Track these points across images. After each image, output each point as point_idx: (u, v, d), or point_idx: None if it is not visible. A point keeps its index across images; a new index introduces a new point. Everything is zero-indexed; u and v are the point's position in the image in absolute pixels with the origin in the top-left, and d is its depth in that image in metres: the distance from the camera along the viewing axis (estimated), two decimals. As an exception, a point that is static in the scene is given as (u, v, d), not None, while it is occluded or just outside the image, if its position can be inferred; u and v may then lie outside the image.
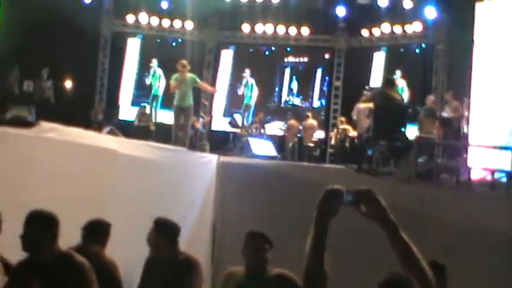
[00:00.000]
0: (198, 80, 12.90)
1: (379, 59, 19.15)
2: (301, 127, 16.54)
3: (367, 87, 14.63)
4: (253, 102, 16.50)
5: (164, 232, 4.98)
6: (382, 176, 9.31)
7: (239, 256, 4.79)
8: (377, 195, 2.35)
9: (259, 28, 19.73)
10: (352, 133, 15.16)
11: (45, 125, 6.90)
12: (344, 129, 15.77)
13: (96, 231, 5.18)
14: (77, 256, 4.14)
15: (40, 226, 4.06)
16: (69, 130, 7.40)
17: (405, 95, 14.74)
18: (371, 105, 10.59)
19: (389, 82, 11.01)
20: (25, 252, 4.09)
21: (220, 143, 17.18)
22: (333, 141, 16.94)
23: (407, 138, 10.07)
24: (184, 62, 12.65)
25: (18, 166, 6.32)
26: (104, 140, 8.60)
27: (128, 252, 6.03)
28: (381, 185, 2.25)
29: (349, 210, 2.39)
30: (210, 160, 10.58)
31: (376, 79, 18.75)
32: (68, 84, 19.48)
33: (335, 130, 16.96)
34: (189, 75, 12.43)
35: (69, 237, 4.43)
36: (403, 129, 9.98)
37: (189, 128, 12.66)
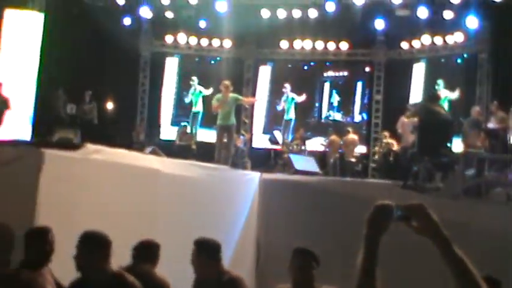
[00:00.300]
0: (240, 97, 13.05)
1: (419, 70, 18.99)
2: (341, 142, 16.44)
3: (411, 103, 14.41)
4: (293, 116, 16.45)
5: (205, 252, 4.94)
6: (428, 192, 9.15)
7: (283, 273, 4.77)
8: (428, 209, 2.30)
9: (298, 44, 19.76)
10: (396, 147, 15.03)
11: (91, 146, 6.99)
12: (387, 144, 15.63)
13: (147, 252, 5.21)
14: (129, 276, 4.20)
15: (93, 247, 4.13)
16: (114, 151, 7.49)
17: (447, 105, 14.48)
18: (415, 119, 10.47)
19: (433, 96, 10.89)
20: (78, 272, 4.15)
21: (261, 160, 17.18)
22: (376, 156, 16.77)
23: (453, 153, 9.91)
24: (227, 82, 12.81)
25: (66, 187, 6.40)
26: (147, 160, 8.68)
27: (173, 271, 6.04)
28: (427, 202, 2.22)
29: (399, 226, 2.35)
30: (253, 178, 10.60)
31: (416, 91, 18.61)
32: (110, 105, 19.78)
33: (378, 144, 16.79)
34: (231, 95, 12.59)
35: (115, 257, 4.47)
36: (448, 144, 9.82)
37: (232, 146, 12.74)
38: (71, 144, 7.06)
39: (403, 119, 13.74)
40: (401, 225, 2.34)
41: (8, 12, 15.00)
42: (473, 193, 9.32)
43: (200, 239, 5.00)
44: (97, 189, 6.77)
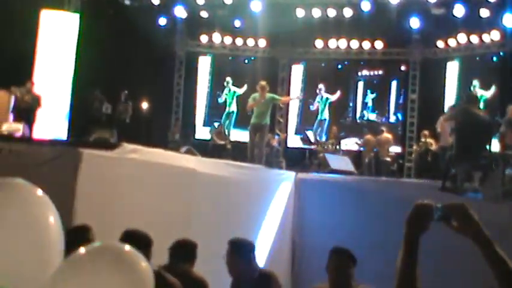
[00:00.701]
0: (277, 97, 13.07)
1: (453, 69, 18.79)
2: (376, 142, 16.33)
3: (451, 104, 14.22)
4: (327, 116, 16.37)
5: (239, 252, 4.99)
6: (467, 194, 9.04)
7: (319, 272, 4.77)
8: (469, 209, 2.28)
9: (332, 43, 19.68)
10: (435, 147, 14.87)
11: (128, 146, 7.06)
12: (426, 143, 15.46)
13: (184, 251, 5.23)
14: (168, 276, 4.24)
15: (135, 245, 4.17)
16: (150, 151, 7.56)
17: (483, 104, 14.27)
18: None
19: (471, 98, 10.75)
20: None
21: (296, 159, 17.17)
22: (413, 155, 16.55)
23: (492, 155, 9.78)
24: (264, 83, 12.84)
25: (103, 187, 6.48)
26: (183, 159, 8.74)
27: (209, 271, 6.07)
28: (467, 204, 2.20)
29: (440, 226, 2.33)
30: (288, 177, 10.61)
31: (450, 90, 18.42)
32: (145, 105, 19.94)
33: (417, 143, 16.56)
34: (268, 95, 12.61)
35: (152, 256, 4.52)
36: (487, 147, 9.70)
37: (264, 145, 12.73)
38: (108, 143, 7.16)
39: (442, 118, 13.61)
40: (442, 225, 2.33)
41: (45, 13, 15.21)
42: None
43: (234, 239, 5.05)
44: (134, 188, 6.84)
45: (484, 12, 16.41)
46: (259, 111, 12.49)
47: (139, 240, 4.25)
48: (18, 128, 11.02)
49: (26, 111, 13.11)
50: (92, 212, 6.08)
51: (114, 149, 6.87)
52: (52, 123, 14.53)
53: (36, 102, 13.45)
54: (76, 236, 4.66)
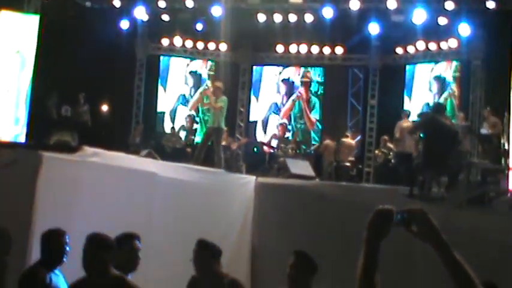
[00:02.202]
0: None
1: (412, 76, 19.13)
2: (337, 146, 16.47)
3: (406, 109, 14.47)
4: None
5: (207, 253, 5.04)
6: (434, 201, 9.22)
7: (278, 276, 4.82)
8: (428, 214, 2.34)
9: (293, 48, 19.79)
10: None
11: (88, 149, 7.03)
12: (388, 148, 15.63)
13: None
14: (129, 280, 4.30)
15: (99, 249, 4.22)
16: (111, 154, 7.54)
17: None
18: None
19: (439, 107, 11.01)
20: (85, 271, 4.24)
21: (256, 164, 17.18)
22: (377, 160, 16.66)
23: (458, 163, 10.03)
24: (219, 84, 12.79)
25: (63, 190, 6.43)
26: (144, 163, 8.72)
27: (170, 272, 6.08)
28: (431, 209, 2.23)
29: (399, 231, 2.38)
30: (248, 181, 10.63)
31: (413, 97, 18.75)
32: (105, 108, 19.76)
33: (379, 149, 16.70)
34: (223, 98, 12.43)
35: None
36: (454, 154, 9.95)
37: (221, 150, 12.53)
38: (68, 146, 7.11)
39: (401, 124, 13.81)
40: (402, 230, 2.38)
41: (3, 14, 14.97)
42: (476, 202, 9.43)
43: (203, 240, 5.08)
44: (95, 191, 6.81)
45: (442, 20, 16.71)
46: (214, 113, 12.40)
47: (101, 243, 4.27)
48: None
49: None
50: (51, 214, 6.04)
51: (75, 152, 6.83)
52: (9, 125, 14.28)
53: None
54: (51, 239, 4.75)
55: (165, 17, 18.91)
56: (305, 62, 20.37)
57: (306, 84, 20.47)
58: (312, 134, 19.85)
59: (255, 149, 19.37)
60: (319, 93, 20.47)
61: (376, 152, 16.97)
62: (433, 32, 17.36)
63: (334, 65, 20.11)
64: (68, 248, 4.80)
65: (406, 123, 13.88)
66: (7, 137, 13.17)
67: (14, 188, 6.18)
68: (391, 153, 15.33)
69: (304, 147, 18.41)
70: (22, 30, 14.97)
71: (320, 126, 19.98)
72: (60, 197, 6.38)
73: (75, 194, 6.62)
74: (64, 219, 6.08)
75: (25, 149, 7.27)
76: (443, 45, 17.88)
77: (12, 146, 8.04)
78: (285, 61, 20.49)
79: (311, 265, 4.72)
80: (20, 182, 6.17)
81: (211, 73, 20.74)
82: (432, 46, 18.10)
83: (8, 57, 14.75)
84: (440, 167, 9.70)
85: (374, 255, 2.37)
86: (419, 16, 16.57)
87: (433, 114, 10.55)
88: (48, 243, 4.82)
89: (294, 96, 19.07)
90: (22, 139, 13.75)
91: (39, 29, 15.07)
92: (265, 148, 17.24)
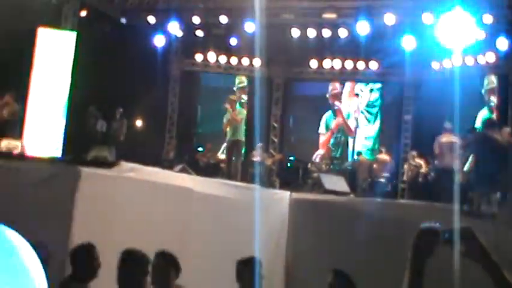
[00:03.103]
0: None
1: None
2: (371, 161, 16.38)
3: (448, 122, 14.18)
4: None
5: (248, 272, 4.97)
6: (484, 218, 9.04)
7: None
8: (476, 233, 2.28)
9: (327, 63, 19.76)
10: (425, 168, 14.89)
11: (125, 165, 7.07)
12: (416, 166, 15.50)
13: None
14: None
15: (134, 264, 4.22)
16: (147, 169, 7.57)
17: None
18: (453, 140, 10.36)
19: (490, 123, 10.85)
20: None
21: (289, 179, 17.13)
22: (404, 177, 16.54)
23: (510, 179, 9.85)
24: (233, 97, 12.89)
25: (101, 205, 6.48)
26: (179, 178, 8.74)
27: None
28: (481, 228, 2.15)
29: (446, 250, 2.32)
30: (283, 197, 10.60)
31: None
32: (139, 123, 19.93)
33: (407, 165, 16.59)
34: (241, 109, 12.56)
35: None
36: (506, 171, 9.79)
37: (239, 162, 12.59)
38: (106, 162, 7.18)
39: (440, 139, 13.58)
40: (448, 249, 2.32)
41: (41, 31, 15.22)
42: None
43: (244, 259, 4.99)
44: (131, 207, 6.83)
45: (480, 35, 16.51)
46: (233, 126, 12.49)
47: (138, 260, 4.28)
48: (17, 146, 11.01)
49: (2, 125, 13.21)
50: (89, 230, 6.07)
51: (112, 168, 6.88)
52: (47, 140, 14.49)
53: (13, 115, 13.51)
54: (82, 254, 4.76)
55: (199, 33, 19.02)
56: (338, 77, 20.31)
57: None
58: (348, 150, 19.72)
59: (289, 165, 19.32)
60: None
61: (405, 167, 16.83)
62: (470, 46, 17.14)
63: (369, 80, 20.00)
64: (99, 262, 4.79)
65: (445, 138, 13.65)
66: (45, 152, 13.34)
67: (54, 202, 6.25)
68: (421, 170, 15.17)
69: (337, 162, 18.31)
70: (59, 46, 15.21)
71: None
72: (98, 211, 6.42)
73: (112, 209, 6.66)
74: (101, 233, 6.12)
75: (64, 164, 7.36)
76: (480, 59, 17.65)
77: (52, 161, 8.14)
78: (319, 76, 20.46)
79: (350, 285, 4.66)
80: (59, 196, 6.23)
81: (241, 85, 20.81)
82: (469, 61, 17.86)
83: (45, 73, 14.98)
84: (491, 184, 9.54)
85: (419, 275, 2.32)
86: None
87: (485, 131, 10.42)
88: (78, 257, 4.83)
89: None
90: (58, 154, 13.91)
91: (76, 45, 15.28)
92: None
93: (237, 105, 12.60)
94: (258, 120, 14.43)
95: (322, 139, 18.06)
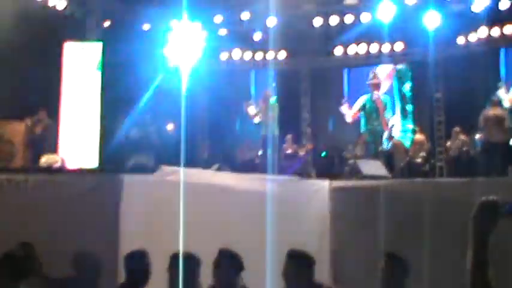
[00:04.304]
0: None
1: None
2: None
3: (494, 96, 13.76)
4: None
5: (299, 265, 4.93)
6: None
7: (359, 279, 4.76)
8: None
9: (352, 49, 19.64)
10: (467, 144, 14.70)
11: (166, 168, 7.14)
12: (463, 140, 15.28)
13: None
14: None
15: (185, 266, 4.25)
16: (188, 171, 7.61)
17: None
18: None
19: None
20: None
21: (325, 168, 17.06)
22: (450, 152, 16.26)
23: None
24: (267, 92, 12.88)
25: (146, 211, 6.54)
26: (220, 177, 8.76)
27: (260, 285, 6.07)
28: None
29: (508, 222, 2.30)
30: (323, 186, 10.53)
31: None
32: (170, 126, 20.02)
33: (452, 140, 16.32)
34: (272, 102, 12.57)
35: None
36: None
37: (276, 155, 12.63)
38: (147, 167, 7.28)
39: (487, 113, 13.29)
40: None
41: (68, 45, 15.40)
42: None
43: (294, 251, 4.96)
44: (176, 210, 6.87)
45: (504, 4, 16.27)
46: (267, 122, 12.52)
47: (190, 263, 4.31)
48: (57, 160, 11.20)
49: (38, 141, 13.43)
50: (137, 236, 6.13)
51: (154, 173, 6.95)
52: (84, 152, 14.67)
53: (48, 131, 13.73)
54: (134, 260, 4.81)
55: (222, 32, 19.04)
56: (364, 62, 20.14)
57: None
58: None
59: (323, 154, 19.24)
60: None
61: (448, 144, 16.60)
62: (495, 18, 16.91)
63: (396, 61, 19.81)
64: (150, 269, 4.84)
65: (492, 111, 13.36)
66: (83, 164, 13.54)
67: (100, 211, 6.34)
68: (464, 146, 15.00)
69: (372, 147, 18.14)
70: (87, 58, 15.39)
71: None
72: (144, 217, 6.49)
73: (157, 214, 6.71)
74: (148, 239, 6.18)
75: (107, 173, 7.47)
76: (507, 29, 17.34)
77: (94, 172, 8.27)
78: (345, 63, 20.34)
79: (404, 267, 4.63)
80: (105, 205, 6.32)
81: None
82: (495, 32, 17.57)
83: (75, 86, 15.17)
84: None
85: (483, 250, 2.30)
86: (479, 3, 16.16)
87: None
88: (132, 264, 4.88)
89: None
90: (96, 165, 14.08)
91: (102, 55, 15.44)
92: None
93: (270, 100, 12.62)
94: (287, 112, 14.43)
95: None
